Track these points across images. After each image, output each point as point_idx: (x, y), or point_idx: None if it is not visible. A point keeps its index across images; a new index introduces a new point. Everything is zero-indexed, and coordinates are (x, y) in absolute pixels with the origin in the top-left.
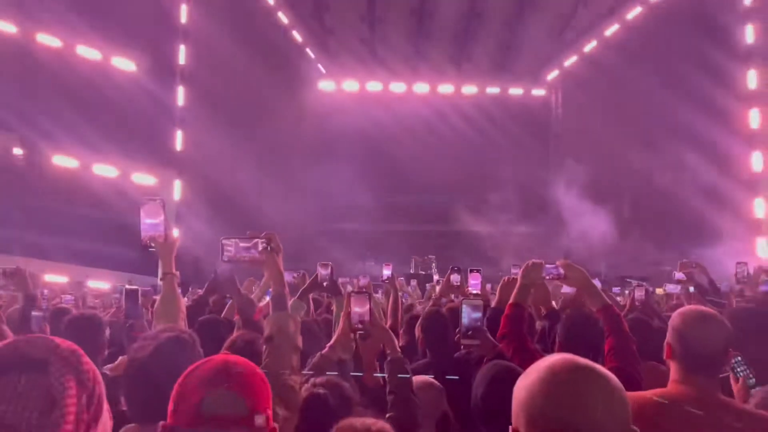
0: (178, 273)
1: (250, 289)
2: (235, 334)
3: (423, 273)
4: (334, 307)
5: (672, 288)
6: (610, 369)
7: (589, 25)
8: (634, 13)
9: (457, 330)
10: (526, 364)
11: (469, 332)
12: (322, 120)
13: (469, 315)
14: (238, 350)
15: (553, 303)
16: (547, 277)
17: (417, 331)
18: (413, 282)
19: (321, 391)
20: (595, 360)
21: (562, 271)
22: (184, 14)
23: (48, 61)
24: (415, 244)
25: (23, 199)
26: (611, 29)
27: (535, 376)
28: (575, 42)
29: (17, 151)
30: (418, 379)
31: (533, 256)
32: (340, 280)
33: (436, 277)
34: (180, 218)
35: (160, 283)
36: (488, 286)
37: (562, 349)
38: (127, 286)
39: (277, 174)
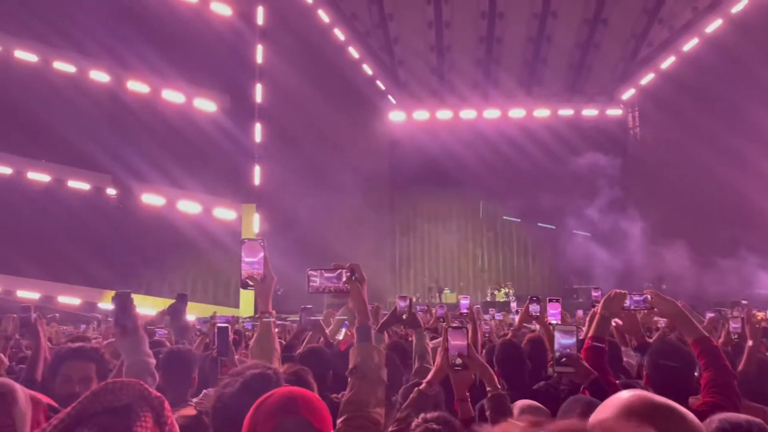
0: (274, 312)
1: (327, 321)
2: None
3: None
4: (413, 340)
5: None
6: (707, 404)
7: (666, 42)
8: (713, 26)
9: (549, 357)
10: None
11: (563, 359)
12: (393, 150)
13: (560, 342)
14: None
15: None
16: (633, 308)
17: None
18: (491, 311)
19: (435, 426)
20: (685, 396)
21: (649, 302)
22: (259, 55)
23: (137, 105)
24: (491, 272)
25: (118, 236)
26: (690, 44)
27: (609, 412)
28: (652, 59)
29: (110, 191)
30: (524, 403)
31: (618, 283)
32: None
33: (514, 305)
34: None
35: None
36: (579, 313)
37: (648, 383)
38: (219, 324)
39: (349, 205)
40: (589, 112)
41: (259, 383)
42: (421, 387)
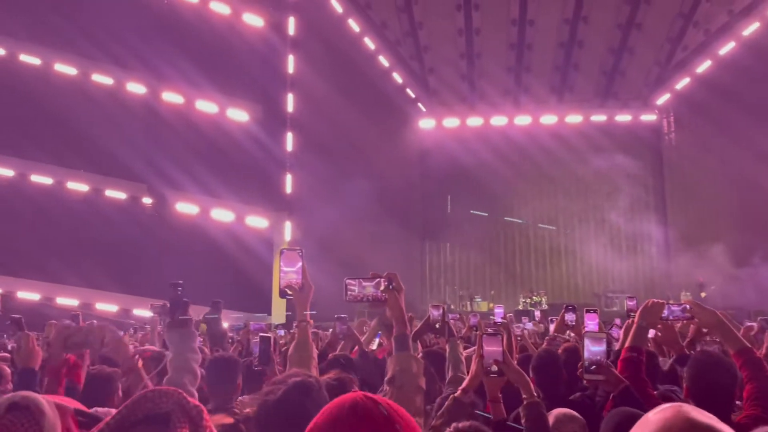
0: (312, 321)
1: (360, 329)
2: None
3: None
4: (447, 347)
5: None
6: (749, 417)
7: (702, 45)
8: (750, 29)
9: (579, 365)
10: (647, 411)
11: (593, 367)
12: (423, 157)
13: (590, 349)
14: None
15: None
16: (671, 319)
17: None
18: (524, 320)
19: None
20: (727, 410)
21: (688, 311)
22: (291, 65)
23: (172, 116)
24: (522, 279)
25: (153, 244)
26: (726, 47)
27: (646, 429)
28: (687, 63)
29: (146, 200)
30: (559, 411)
31: (655, 292)
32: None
33: (537, 314)
34: None
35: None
36: (617, 321)
37: (688, 395)
38: (262, 334)
39: (379, 212)
40: (623, 117)
41: (301, 391)
42: (456, 394)
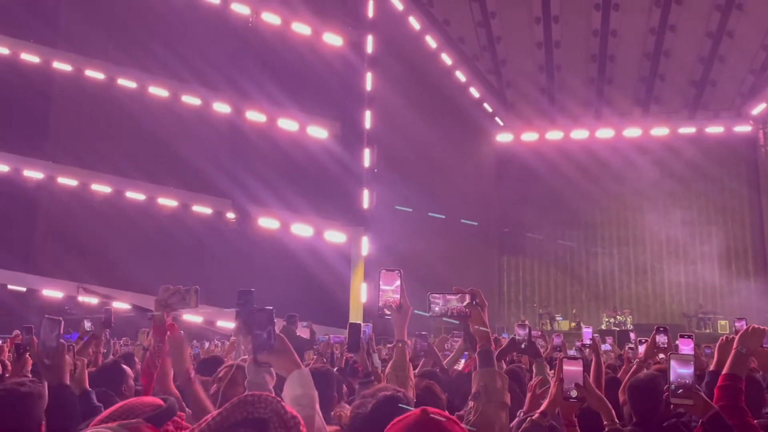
0: (409, 342)
1: (441, 346)
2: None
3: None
4: (533, 368)
5: None
6: None
7: None
8: None
9: (665, 387)
10: None
11: (679, 390)
12: (501, 172)
13: (677, 371)
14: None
15: None
16: None
17: (620, 396)
18: (609, 340)
19: None
20: None
21: None
22: (369, 82)
23: (254, 134)
24: (606, 298)
25: (237, 257)
26: None
27: None
28: None
29: (230, 215)
30: None
31: (752, 313)
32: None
33: (632, 336)
34: (368, 274)
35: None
36: (707, 351)
37: None
38: (351, 321)
39: (456, 228)
40: (714, 129)
41: (390, 405)
42: (534, 417)
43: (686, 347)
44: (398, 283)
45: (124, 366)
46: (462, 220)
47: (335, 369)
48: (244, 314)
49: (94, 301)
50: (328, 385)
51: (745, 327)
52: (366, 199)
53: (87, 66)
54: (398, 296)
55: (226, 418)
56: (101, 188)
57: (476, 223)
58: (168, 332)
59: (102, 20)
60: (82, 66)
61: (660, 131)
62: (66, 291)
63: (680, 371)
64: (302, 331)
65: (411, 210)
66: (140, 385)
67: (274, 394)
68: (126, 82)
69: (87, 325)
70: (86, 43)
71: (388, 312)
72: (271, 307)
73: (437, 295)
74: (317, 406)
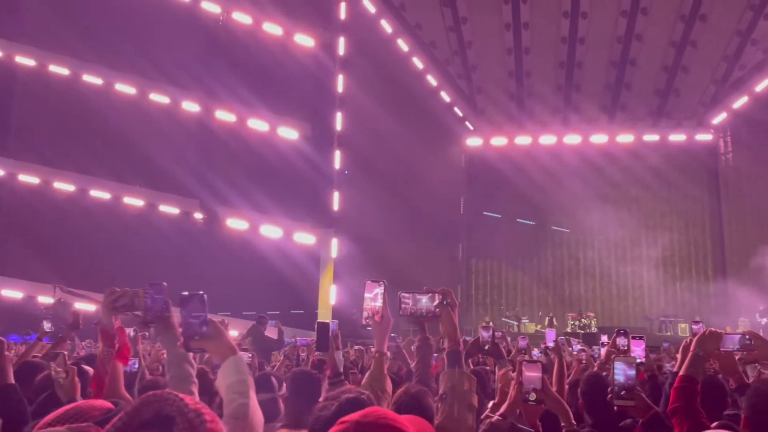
0: (389, 353)
1: (408, 348)
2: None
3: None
4: (496, 369)
5: None
6: None
7: (761, 63)
8: None
9: (609, 389)
10: None
11: (623, 392)
12: (470, 176)
13: (623, 373)
14: (404, 404)
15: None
16: (731, 349)
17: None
18: (575, 342)
19: None
20: None
21: (747, 341)
22: (340, 84)
23: (224, 134)
24: (572, 301)
25: (204, 258)
26: None
27: None
28: (745, 82)
29: (198, 215)
30: None
31: (711, 318)
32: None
33: (604, 338)
34: (337, 276)
35: None
36: (665, 345)
37: (747, 426)
38: (319, 321)
39: (425, 230)
40: (677, 137)
41: (353, 407)
42: (493, 419)
43: (637, 348)
44: (381, 294)
45: (86, 367)
46: (430, 223)
47: None
48: (157, 306)
49: (51, 301)
50: (315, 387)
51: (702, 330)
52: (336, 200)
53: (51, 61)
54: (380, 308)
55: (130, 420)
56: (64, 186)
57: (445, 225)
58: (116, 336)
59: (67, 14)
60: (46, 61)
61: (625, 138)
62: (27, 291)
63: (626, 374)
64: (270, 331)
65: (380, 212)
66: (92, 392)
67: (193, 389)
68: (92, 79)
69: (47, 326)
70: (51, 38)
71: (370, 323)
72: (202, 292)
73: (407, 295)
74: (252, 393)
